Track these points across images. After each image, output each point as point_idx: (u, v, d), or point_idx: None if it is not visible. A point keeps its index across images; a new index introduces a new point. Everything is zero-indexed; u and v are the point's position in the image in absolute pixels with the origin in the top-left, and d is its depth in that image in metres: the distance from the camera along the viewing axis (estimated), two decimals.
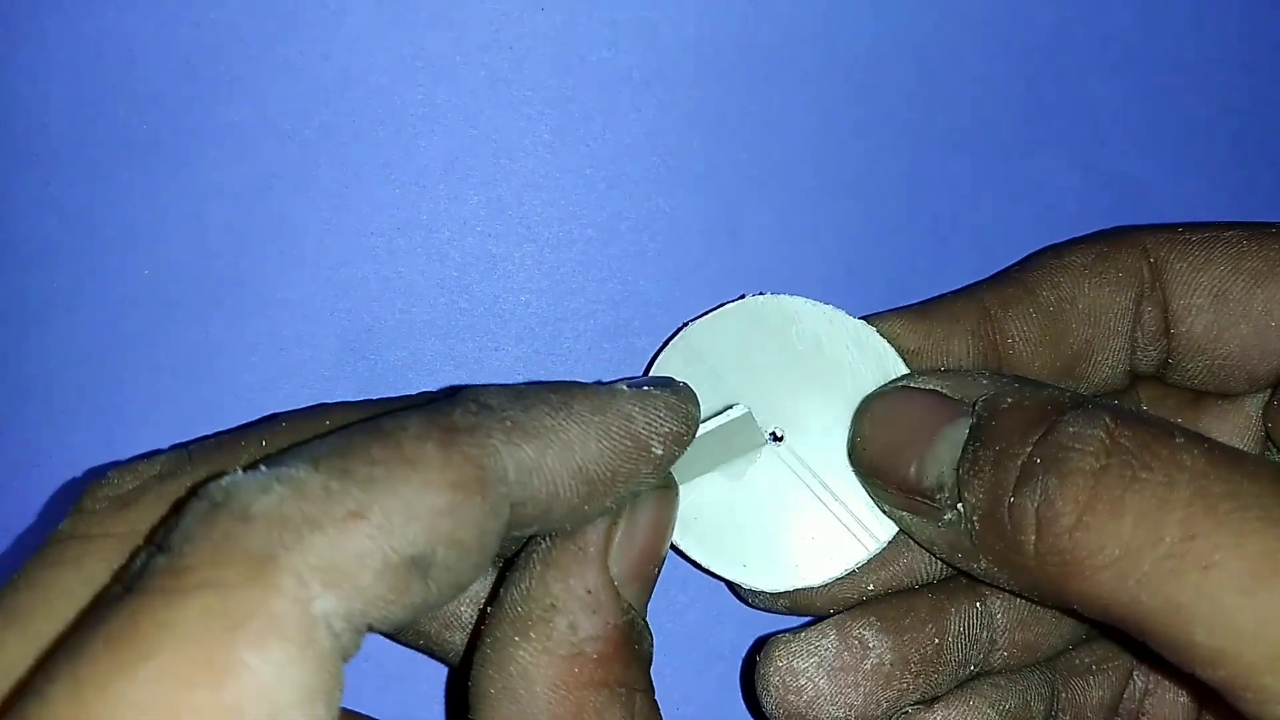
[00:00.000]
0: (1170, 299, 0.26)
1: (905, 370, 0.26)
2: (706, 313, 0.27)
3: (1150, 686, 0.27)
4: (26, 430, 0.29)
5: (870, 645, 0.25)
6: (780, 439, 0.26)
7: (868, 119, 0.31)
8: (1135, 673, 0.27)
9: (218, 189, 0.29)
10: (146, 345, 0.29)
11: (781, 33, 0.30)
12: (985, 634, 0.26)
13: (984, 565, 0.22)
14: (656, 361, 0.27)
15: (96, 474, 0.26)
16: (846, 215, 0.31)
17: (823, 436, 0.26)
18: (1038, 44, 0.31)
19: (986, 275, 0.28)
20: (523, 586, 0.21)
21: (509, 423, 0.18)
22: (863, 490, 0.26)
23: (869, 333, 0.26)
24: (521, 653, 0.20)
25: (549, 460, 0.19)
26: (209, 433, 0.29)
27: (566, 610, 0.20)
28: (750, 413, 0.25)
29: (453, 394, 0.19)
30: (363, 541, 0.16)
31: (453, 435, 0.18)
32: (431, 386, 0.30)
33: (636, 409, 0.20)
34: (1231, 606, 0.18)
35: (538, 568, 0.21)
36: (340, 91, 0.29)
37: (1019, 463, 0.21)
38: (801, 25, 0.30)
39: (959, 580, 0.26)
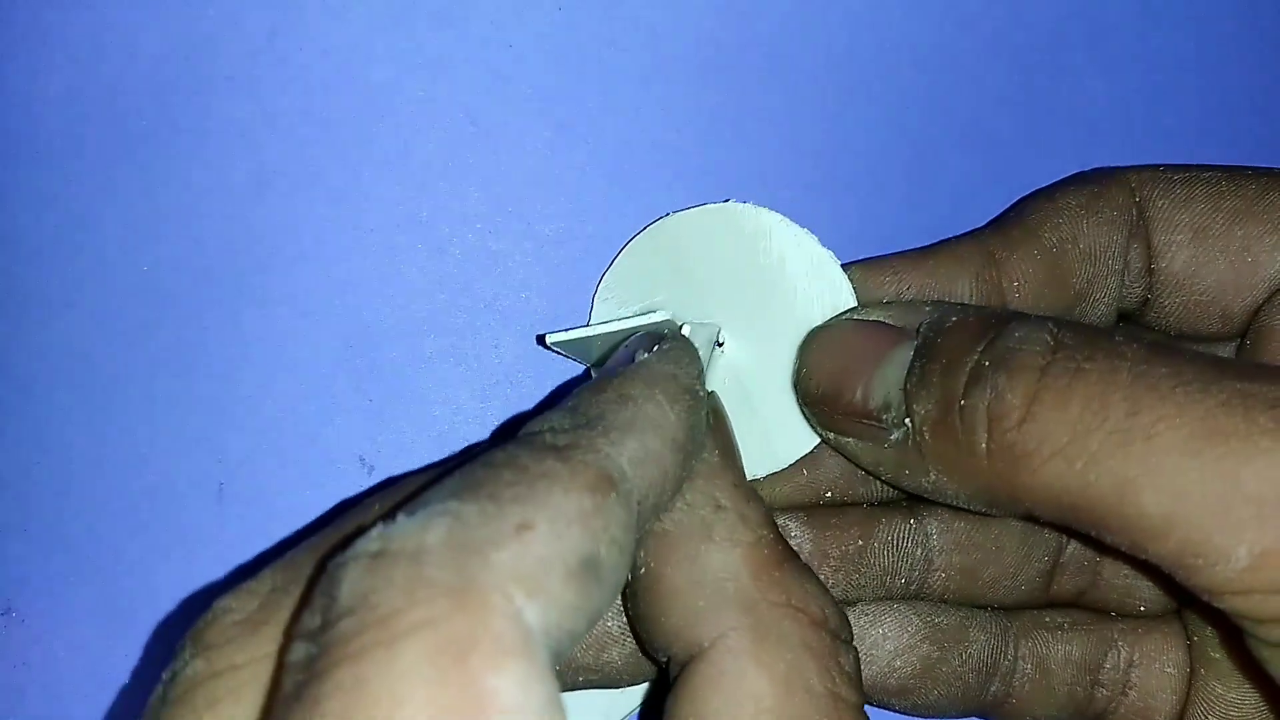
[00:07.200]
0: (1152, 235, 0.26)
1: (854, 304, 0.26)
2: (688, 208, 0.28)
3: (1136, 658, 0.27)
4: (25, 427, 0.29)
5: (792, 534, 0.26)
6: (720, 345, 0.27)
7: (868, 118, 0.31)
8: (1120, 641, 0.27)
9: (216, 185, 0.29)
10: (145, 341, 0.29)
11: (782, 31, 0.30)
12: (919, 551, 0.26)
13: (933, 478, 0.23)
14: (630, 244, 0.28)
15: (193, 609, 0.25)
16: (846, 214, 0.31)
17: (759, 354, 0.27)
18: (1036, 44, 0.31)
19: None
20: (682, 505, 0.21)
21: (600, 428, 0.18)
22: (777, 414, 0.26)
23: (831, 264, 0.26)
24: (715, 555, 0.20)
25: (651, 444, 0.19)
26: (206, 430, 0.29)
27: (733, 506, 0.21)
28: (715, 330, 0.26)
29: (508, 439, 0.19)
30: (540, 549, 0.16)
31: (565, 451, 0.17)
32: (431, 384, 0.29)
33: (670, 366, 0.21)
34: (1177, 468, 0.18)
35: (688, 484, 0.21)
36: (340, 87, 0.29)
37: (968, 368, 0.21)
38: (802, 24, 0.30)
39: (898, 501, 0.27)
